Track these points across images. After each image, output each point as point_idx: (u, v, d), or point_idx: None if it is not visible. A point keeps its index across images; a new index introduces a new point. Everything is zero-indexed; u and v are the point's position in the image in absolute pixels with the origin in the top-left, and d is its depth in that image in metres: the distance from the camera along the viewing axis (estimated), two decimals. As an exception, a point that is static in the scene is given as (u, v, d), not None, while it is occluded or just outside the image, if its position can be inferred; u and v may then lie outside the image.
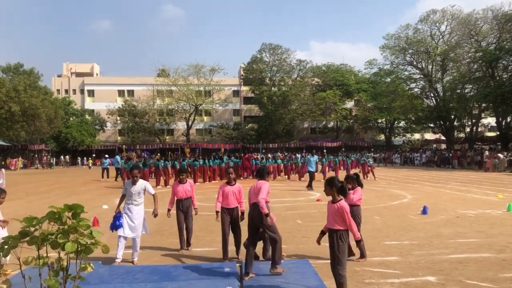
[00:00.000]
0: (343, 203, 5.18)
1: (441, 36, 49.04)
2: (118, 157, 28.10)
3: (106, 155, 31.78)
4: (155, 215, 7.63)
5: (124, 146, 45.86)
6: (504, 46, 39.94)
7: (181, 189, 8.17)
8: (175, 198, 8.19)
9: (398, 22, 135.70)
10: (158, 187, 21.62)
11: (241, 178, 26.96)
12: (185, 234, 8.22)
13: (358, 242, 5.64)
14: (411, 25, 49.29)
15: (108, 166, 29.05)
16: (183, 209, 8.13)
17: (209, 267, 6.66)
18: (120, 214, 7.19)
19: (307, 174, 21.41)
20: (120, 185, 21.14)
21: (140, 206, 7.39)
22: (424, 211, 12.00)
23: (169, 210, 8.17)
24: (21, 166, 46.74)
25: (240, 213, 7.40)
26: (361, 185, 7.48)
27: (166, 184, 22.46)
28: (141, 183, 7.46)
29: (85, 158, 54.62)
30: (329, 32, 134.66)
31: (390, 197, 16.27)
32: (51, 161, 52.16)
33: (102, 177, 28.34)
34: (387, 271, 6.61)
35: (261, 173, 6.79)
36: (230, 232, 7.34)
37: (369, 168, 25.79)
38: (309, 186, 19.75)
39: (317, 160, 17.14)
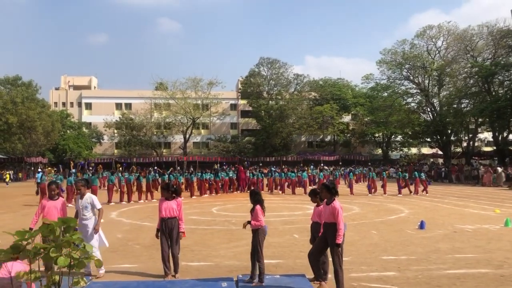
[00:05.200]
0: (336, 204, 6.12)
1: (437, 52, 49.44)
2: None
3: (39, 169, 29.93)
4: (96, 231, 7.29)
5: (91, 163, 40.35)
6: (499, 61, 40.27)
7: (166, 207, 7.17)
8: (159, 217, 7.26)
9: (391, 37, 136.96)
10: (111, 203, 19.80)
11: (233, 191, 26.73)
12: (172, 261, 7.20)
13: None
14: (407, 40, 49.77)
15: (40, 181, 24.41)
16: (167, 230, 7.10)
17: (206, 282, 6.59)
18: None
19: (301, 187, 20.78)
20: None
21: (88, 221, 7.20)
22: (422, 226, 11.93)
23: (158, 230, 7.27)
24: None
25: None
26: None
27: (129, 199, 20.95)
28: (87, 196, 7.29)
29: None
30: (324, 47, 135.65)
31: (387, 212, 16.20)
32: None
33: (37, 193, 24.02)
34: (385, 286, 6.54)
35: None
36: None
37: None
38: None
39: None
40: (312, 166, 37.07)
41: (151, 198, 21.76)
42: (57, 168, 31.05)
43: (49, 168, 25.61)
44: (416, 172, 25.42)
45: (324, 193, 6.34)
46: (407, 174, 25.57)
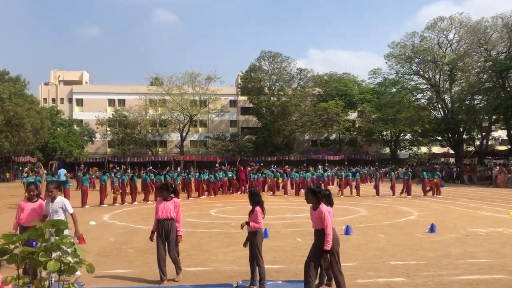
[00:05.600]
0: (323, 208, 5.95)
1: (449, 45, 49.31)
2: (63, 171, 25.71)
3: (25, 169, 30.13)
4: (77, 237, 7.28)
5: (57, 162, 39.27)
6: (515, 55, 40.23)
7: (162, 207, 7.15)
8: (155, 218, 7.27)
9: (399, 30, 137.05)
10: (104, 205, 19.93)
11: (233, 192, 26.73)
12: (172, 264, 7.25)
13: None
14: (417, 32, 49.55)
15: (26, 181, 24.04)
16: (163, 232, 7.08)
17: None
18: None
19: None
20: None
21: None
22: (432, 229, 11.93)
23: (153, 232, 7.23)
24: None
25: None
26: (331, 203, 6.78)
27: (122, 201, 20.88)
28: (59, 200, 7.24)
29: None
30: (329, 40, 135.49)
31: (395, 214, 16.20)
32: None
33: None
34: (393, 293, 6.54)
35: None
36: None
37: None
38: None
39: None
40: (320, 167, 36.93)
41: (146, 200, 21.78)
42: (36, 168, 30.40)
43: (27, 168, 25.67)
44: (424, 173, 25.39)
45: (310, 198, 6.12)
46: (425, 174, 25.28)
